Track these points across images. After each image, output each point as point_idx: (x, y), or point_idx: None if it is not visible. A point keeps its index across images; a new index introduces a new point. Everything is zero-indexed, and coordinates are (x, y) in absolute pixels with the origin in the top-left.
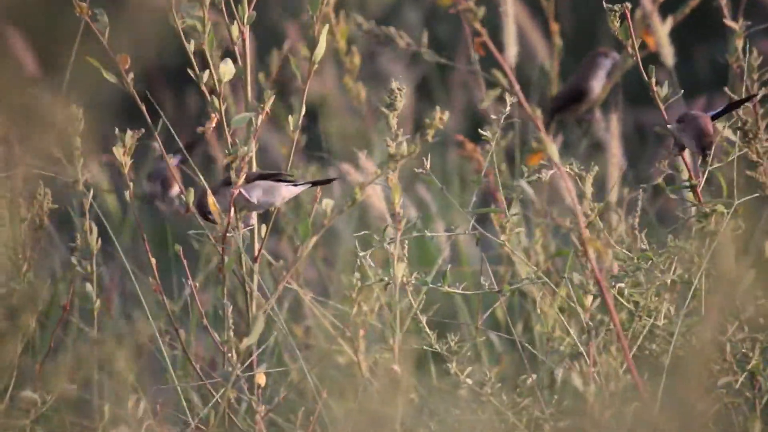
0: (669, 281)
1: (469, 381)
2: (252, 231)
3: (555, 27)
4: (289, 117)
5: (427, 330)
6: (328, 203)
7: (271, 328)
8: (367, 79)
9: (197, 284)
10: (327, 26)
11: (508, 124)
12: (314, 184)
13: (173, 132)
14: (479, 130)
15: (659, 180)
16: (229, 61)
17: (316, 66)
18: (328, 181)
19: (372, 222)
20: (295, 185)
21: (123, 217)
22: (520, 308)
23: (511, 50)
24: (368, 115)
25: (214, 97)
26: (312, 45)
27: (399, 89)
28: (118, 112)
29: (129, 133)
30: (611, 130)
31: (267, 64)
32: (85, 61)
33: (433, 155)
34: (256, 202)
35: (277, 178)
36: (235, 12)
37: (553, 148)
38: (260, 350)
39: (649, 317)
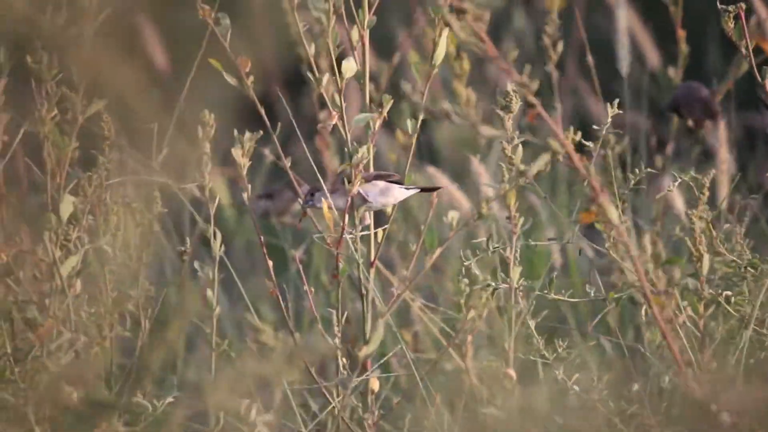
0: None
1: (576, 388)
2: (368, 236)
3: (682, 33)
4: (408, 121)
5: (536, 335)
6: (453, 215)
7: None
8: (476, 85)
9: (312, 289)
10: (448, 30)
11: (618, 131)
12: (424, 190)
13: (297, 132)
14: (582, 141)
15: None
16: (351, 58)
17: (435, 70)
18: (437, 188)
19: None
20: (407, 188)
21: (238, 224)
22: (632, 316)
23: (624, 60)
24: (478, 121)
25: (335, 93)
26: (432, 49)
27: (514, 91)
28: (234, 117)
29: (248, 135)
30: (720, 137)
31: (380, 70)
32: (208, 63)
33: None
34: (373, 201)
35: (391, 179)
36: (356, 16)
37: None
38: (377, 359)
39: (757, 326)
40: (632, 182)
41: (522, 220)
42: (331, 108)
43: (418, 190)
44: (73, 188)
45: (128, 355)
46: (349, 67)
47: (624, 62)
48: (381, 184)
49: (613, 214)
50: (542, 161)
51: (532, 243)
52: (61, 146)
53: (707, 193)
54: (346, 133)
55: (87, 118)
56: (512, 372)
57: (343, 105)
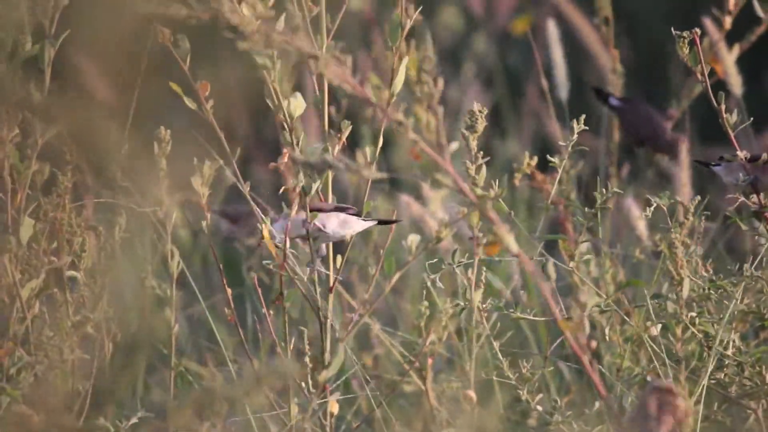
0: (738, 311)
1: (539, 408)
2: (326, 261)
3: (615, 53)
4: (366, 148)
5: (500, 357)
6: (413, 239)
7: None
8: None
9: (270, 312)
10: (406, 59)
11: (577, 152)
12: (381, 222)
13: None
14: (548, 158)
15: (729, 210)
16: (298, 95)
17: (394, 98)
18: (395, 222)
19: (436, 250)
20: (365, 220)
21: (193, 248)
22: (589, 339)
23: (563, 86)
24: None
25: (285, 132)
26: (390, 76)
27: (480, 111)
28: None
29: (207, 164)
30: (681, 160)
31: (338, 95)
32: (153, 90)
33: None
34: (330, 233)
35: (351, 212)
36: (313, 41)
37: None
38: (334, 380)
39: (719, 347)
40: (598, 203)
41: (485, 239)
42: (283, 144)
43: (375, 223)
44: (34, 210)
45: (89, 377)
46: (298, 104)
47: (563, 88)
48: (340, 216)
49: (512, 243)
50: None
51: (496, 259)
52: (21, 169)
53: (692, 218)
54: (298, 168)
55: (48, 140)
56: (472, 393)
57: (299, 137)
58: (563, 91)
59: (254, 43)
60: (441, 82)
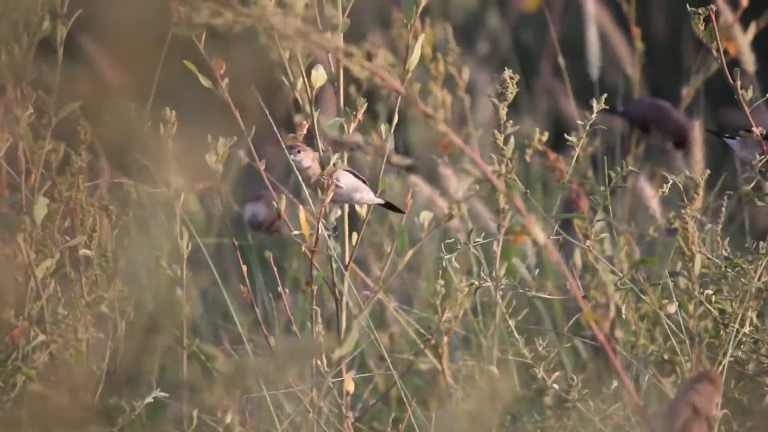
0: (755, 289)
1: (556, 386)
2: (342, 238)
3: (636, 31)
4: (381, 126)
5: (516, 334)
6: (426, 216)
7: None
8: (450, 86)
9: (286, 291)
10: (422, 37)
11: (592, 131)
12: (387, 206)
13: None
14: (565, 136)
15: (746, 188)
16: (320, 66)
17: (409, 75)
18: (399, 210)
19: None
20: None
21: (208, 229)
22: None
23: (595, 65)
24: (452, 123)
25: (306, 103)
26: (405, 54)
27: (511, 78)
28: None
29: (221, 140)
30: (694, 136)
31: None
32: (167, 69)
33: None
34: (344, 187)
35: (362, 179)
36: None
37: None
38: (349, 358)
39: (735, 325)
40: (614, 182)
41: (510, 213)
42: (303, 116)
43: (383, 202)
44: (48, 190)
45: (103, 357)
46: (319, 75)
47: (595, 66)
48: (352, 178)
49: (538, 234)
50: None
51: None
52: (35, 148)
53: (701, 193)
54: (317, 141)
55: (62, 120)
56: (494, 369)
57: (316, 112)
58: (594, 70)
59: (293, 43)
60: (466, 72)
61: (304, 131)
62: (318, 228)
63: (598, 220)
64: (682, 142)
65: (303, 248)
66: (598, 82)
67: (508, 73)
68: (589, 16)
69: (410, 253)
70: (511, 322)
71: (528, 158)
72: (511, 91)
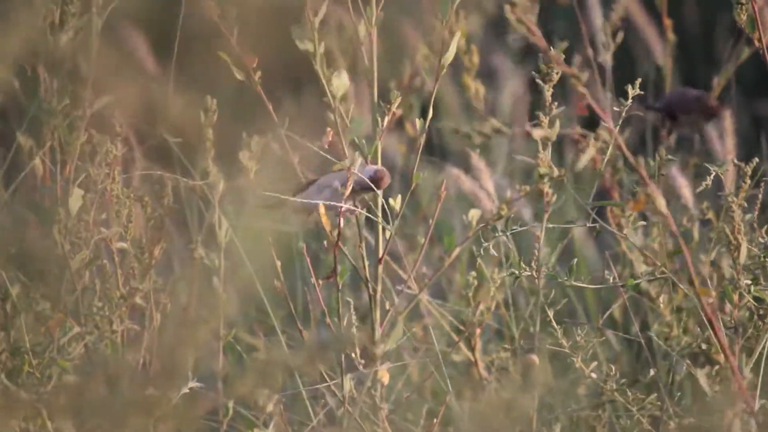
0: None
1: (594, 375)
2: (375, 231)
3: (668, 22)
4: (416, 120)
5: (555, 324)
6: (474, 214)
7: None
8: (484, 77)
9: (320, 282)
10: (458, 33)
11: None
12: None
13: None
14: (600, 122)
15: None
16: (343, 73)
17: (444, 70)
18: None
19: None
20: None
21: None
22: (637, 308)
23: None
24: (485, 114)
25: (329, 112)
26: (438, 46)
27: (557, 57)
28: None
29: (256, 137)
30: (725, 126)
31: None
32: (203, 61)
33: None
34: (367, 179)
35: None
36: (363, 12)
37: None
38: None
39: None
40: (652, 170)
41: (554, 197)
42: (328, 124)
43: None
44: (83, 181)
45: (139, 348)
46: (341, 84)
47: (608, 53)
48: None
49: (662, 203)
50: (587, 156)
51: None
52: (70, 140)
53: (748, 182)
54: (343, 145)
55: (96, 111)
56: (536, 358)
57: (347, 111)
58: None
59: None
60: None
61: (329, 138)
62: (340, 222)
63: (636, 208)
64: (709, 115)
65: (324, 243)
66: (630, 73)
67: (554, 52)
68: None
69: (456, 251)
70: (550, 312)
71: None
72: (557, 71)
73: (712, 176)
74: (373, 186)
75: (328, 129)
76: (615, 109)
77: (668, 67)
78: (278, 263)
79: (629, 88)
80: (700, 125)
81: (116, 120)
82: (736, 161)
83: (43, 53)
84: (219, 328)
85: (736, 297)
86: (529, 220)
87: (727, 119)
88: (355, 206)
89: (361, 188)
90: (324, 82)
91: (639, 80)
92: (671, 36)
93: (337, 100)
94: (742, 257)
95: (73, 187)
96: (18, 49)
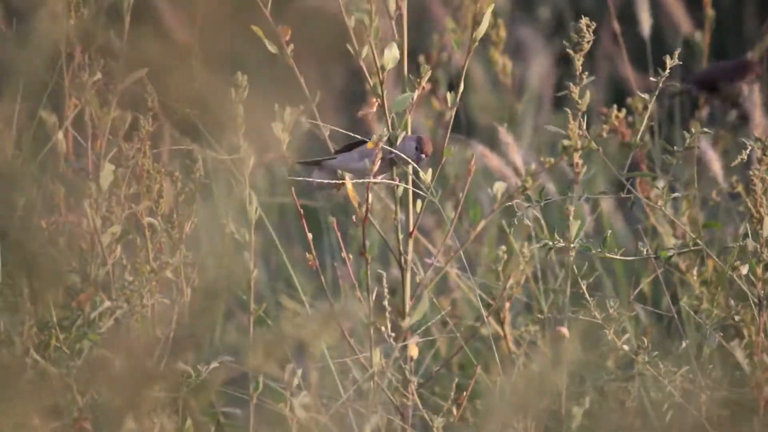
0: None
1: (626, 347)
2: (406, 205)
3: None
4: (447, 94)
5: (587, 297)
6: (499, 187)
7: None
8: (509, 52)
9: (350, 256)
10: (489, 9)
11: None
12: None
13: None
14: (633, 97)
15: None
16: (394, 46)
17: (476, 44)
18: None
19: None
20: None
21: (271, 197)
22: (666, 282)
23: (645, 23)
24: (513, 89)
25: (378, 84)
26: (466, 21)
27: (588, 26)
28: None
29: (288, 109)
30: (754, 100)
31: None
32: (233, 35)
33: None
34: (400, 151)
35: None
36: None
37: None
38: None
39: None
40: (687, 143)
41: (585, 168)
42: (371, 96)
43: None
44: (114, 156)
45: (169, 322)
46: (392, 56)
47: (645, 25)
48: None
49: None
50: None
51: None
52: (101, 114)
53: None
54: (388, 117)
55: (128, 86)
56: (565, 330)
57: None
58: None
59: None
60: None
61: (374, 109)
62: (367, 198)
63: (670, 181)
64: (752, 77)
65: (353, 218)
66: (657, 47)
67: (585, 20)
68: None
69: (482, 224)
70: (583, 284)
71: (604, 134)
72: (588, 39)
73: (747, 150)
74: (415, 156)
75: (373, 99)
76: (652, 79)
77: (705, 43)
78: (309, 236)
79: (667, 58)
80: (740, 93)
81: (148, 95)
82: (756, 135)
83: (74, 28)
84: (250, 301)
85: (759, 270)
86: (554, 194)
87: (757, 92)
88: (393, 179)
89: (400, 160)
90: (374, 53)
91: (677, 51)
92: (710, 12)
93: (385, 72)
94: (765, 230)
95: (104, 162)
96: (49, 27)
